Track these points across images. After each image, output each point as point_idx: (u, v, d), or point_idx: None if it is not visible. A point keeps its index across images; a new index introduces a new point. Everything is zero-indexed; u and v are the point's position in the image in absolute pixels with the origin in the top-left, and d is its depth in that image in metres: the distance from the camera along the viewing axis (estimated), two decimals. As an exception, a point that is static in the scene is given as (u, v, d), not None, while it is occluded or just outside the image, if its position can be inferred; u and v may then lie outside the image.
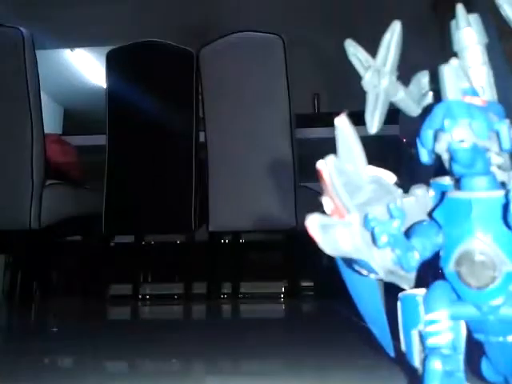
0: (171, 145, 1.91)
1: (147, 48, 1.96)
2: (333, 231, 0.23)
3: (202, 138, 1.89)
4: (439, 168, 0.25)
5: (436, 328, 0.22)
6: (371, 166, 0.28)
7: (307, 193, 1.73)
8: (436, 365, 0.22)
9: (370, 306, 0.29)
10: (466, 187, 0.24)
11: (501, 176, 0.24)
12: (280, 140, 1.81)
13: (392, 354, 0.30)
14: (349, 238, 0.23)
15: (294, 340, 0.39)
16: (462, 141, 0.22)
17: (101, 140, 1.96)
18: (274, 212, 1.76)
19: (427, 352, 0.23)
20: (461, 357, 0.23)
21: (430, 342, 0.23)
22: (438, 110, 0.24)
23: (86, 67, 4.51)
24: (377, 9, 3.68)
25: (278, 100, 1.82)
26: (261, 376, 0.36)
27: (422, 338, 0.23)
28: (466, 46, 0.29)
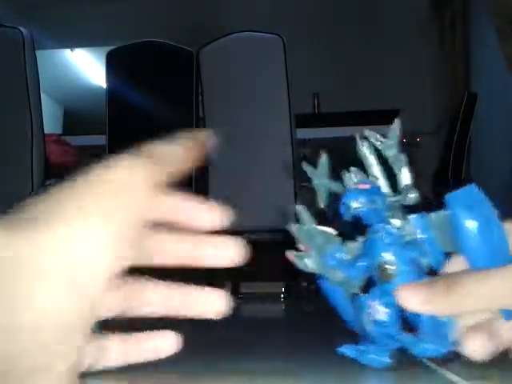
0: (171, 145, 1.91)
1: (147, 48, 1.96)
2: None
3: (201, 138, 1.89)
4: None
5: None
6: None
7: (307, 193, 1.73)
8: None
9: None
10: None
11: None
12: (280, 140, 1.81)
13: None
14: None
15: (294, 340, 0.39)
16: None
17: (101, 140, 1.96)
18: (274, 212, 1.76)
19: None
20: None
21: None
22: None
23: (86, 67, 4.51)
24: (377, 9, 3.68)
25: (278, 100, 1.82)
26: (260, 376, 0.36)
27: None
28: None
